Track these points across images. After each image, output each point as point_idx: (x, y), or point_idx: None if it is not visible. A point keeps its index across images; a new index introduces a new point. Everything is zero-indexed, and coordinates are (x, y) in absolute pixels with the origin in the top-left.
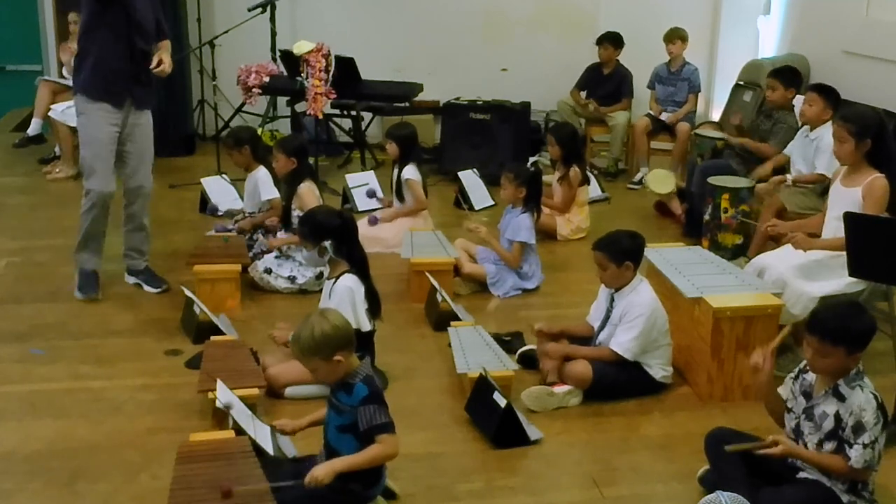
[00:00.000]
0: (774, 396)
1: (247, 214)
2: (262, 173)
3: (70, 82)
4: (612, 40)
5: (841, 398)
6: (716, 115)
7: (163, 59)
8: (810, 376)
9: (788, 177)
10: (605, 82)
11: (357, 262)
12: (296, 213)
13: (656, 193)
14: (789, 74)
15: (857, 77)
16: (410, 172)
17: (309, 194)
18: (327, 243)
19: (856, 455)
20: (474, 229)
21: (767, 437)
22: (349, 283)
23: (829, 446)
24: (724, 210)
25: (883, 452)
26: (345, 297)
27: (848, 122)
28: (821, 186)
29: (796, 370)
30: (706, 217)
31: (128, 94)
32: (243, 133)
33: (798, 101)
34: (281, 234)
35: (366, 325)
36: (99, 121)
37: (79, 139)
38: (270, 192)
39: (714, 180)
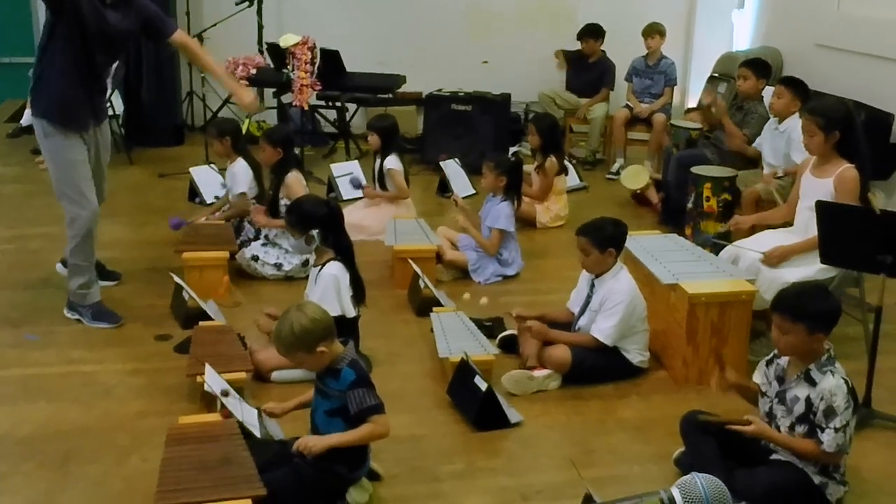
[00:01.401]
0: (752, 395)
1: (230, 202)
2: (238, 166)
3: None
4: (591, 33)
5: (812, 383)
6: (691, 106)
7: (239, 94)
8: (783, 361)
9: (779, 171)
10: (588, 71)
11: (343, 249)
12: (283, 201)
13: (630, 190)
14: (761, 65)
15: (829, 69)
16: (392, 162)
17: (296, 184)
18: (314, 232)
19: (828, 439)
20: (464, 210)
21: (743, 416)
22: (334, 271)
23: (800, 429)
24: (706, 199)
25: (853, 435)
26: (329, 284)
27: (816, 115)
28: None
29: (770, 355)
30: (689, 206)
31: (91, 115)
32: (226, 125)
33: (768, 92)
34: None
35: (350, 312)
36: (72, 142)
37: (48, 167)
38: (242, 186)
39: (697, 170)
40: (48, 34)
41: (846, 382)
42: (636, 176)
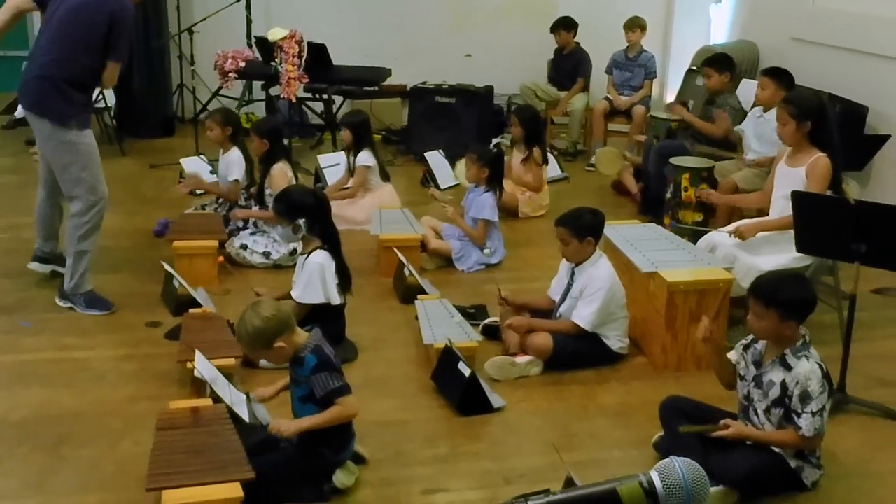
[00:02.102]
0: (724, 362)
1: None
2: (234, 155)
3: None
4: (563, 25)
5: (787, 367)
6: (670, 99)
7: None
8: (760, 346)
9: (746, 157)
10: (565, 63)
11: (329, 238)
12: (268, 191)
13: (605, 175)
14: (721, 61)
15: (804, 62)
16: (364, 158)
17: (280, 176)
18: (301, 221)
19: (806, 424)
20: (444, 203)
21: (720, 422)
22: (320, 259)
23: (776, 412)
24: (685, 189)
25: (829, 419)
26: (315, 272)
27: (789, 104)
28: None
29: (748, 338)
30: (667, 195)
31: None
32: (231, 115)
33: (747, 84)
34: (255, 209)
35: (335, 300)
36: (91, 133)
37: (80, 164)
38: (236, 174)
39: (675, 161)
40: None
41: (821, 367)
42: (610, 161)
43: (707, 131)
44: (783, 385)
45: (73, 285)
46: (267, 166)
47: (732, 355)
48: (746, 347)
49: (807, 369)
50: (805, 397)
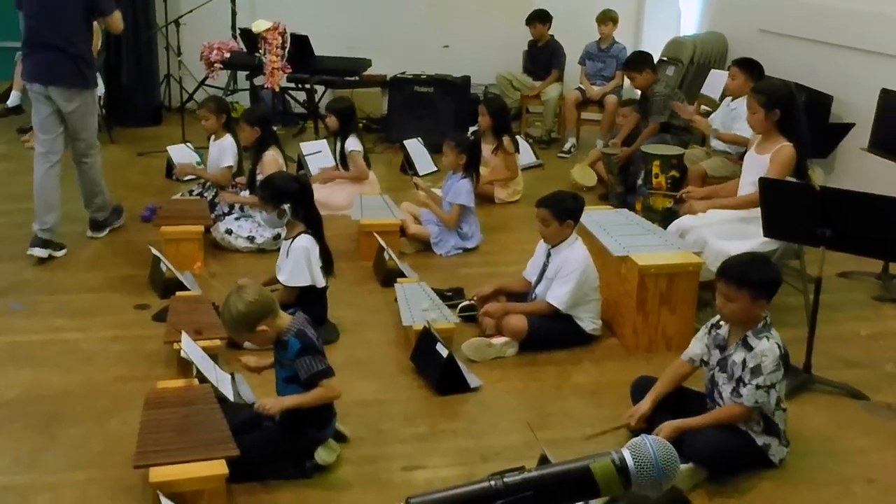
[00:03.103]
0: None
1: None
2: (227, 141)
3: None
4: (538, 18)
5: (749, 348)
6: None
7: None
8: (723, 331)
9: (713, 147)
10: (540, 55)
11: (313, 223)
12: (259, 177)
13: (582, 185)
14: (637, 61)
15: (771, 53)
16: (352, 144)
17: (271, 163)
18: (286, 206)
19: (747, 393)
20: (423, 188)
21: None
22: (305, 244)
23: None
24: (655, 176)
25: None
26: (301, 256)
27: (758, 93)
28: (738, 154)
29: (709, 324)
30: (639, 182)
31: None
32: (223, 103)
33: (716, 74)
34: (244, 194)
35: (320, 282)
36: None
37: (90, 113)
38: (229, 160)
39: (646, 148)
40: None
41: (779, 347)
42: (584, 175)
43: (685, 113)
44: (744, 364)
45: (105, 214)
46: (258, 153)
47: (694, 344)
48: (708, 332)
49: (765, 347)
50: (756, 370)
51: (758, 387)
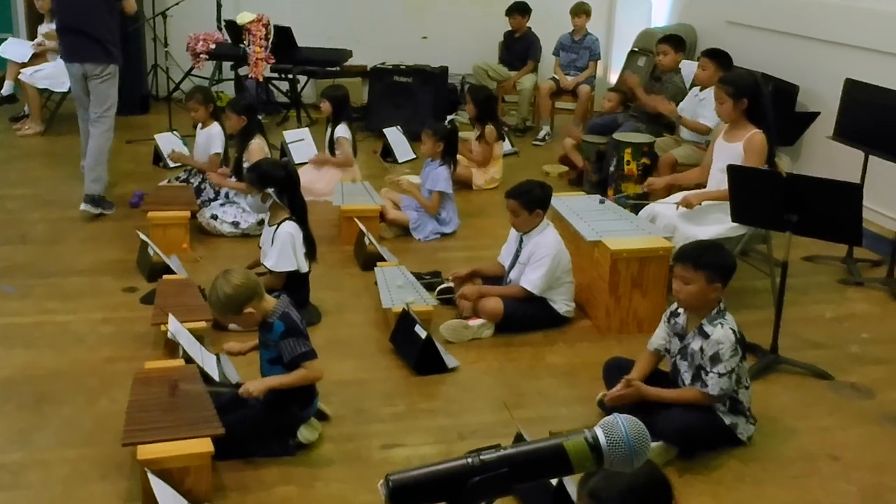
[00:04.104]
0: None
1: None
2: (215, 129)
3: (36, 50)
4: (517, 10)
5: (705, 336)
6: (613, 79)
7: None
8: (682, 319)
9: (682, 137)
10: (516, 46)
11: (297, 209)
12: (246, 164)
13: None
14: (678, 40)
15: (739, 44)
16: (342, 131)
17: (257, 150)
18: (271, 190)
19: (712, 383)
20: (397, 181)
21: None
22: (290, 230)
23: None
24: (627, 163)
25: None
26: (286, 241)
27: (726, 84)
28: (705, 142)
29: (668, 312)
30: (611, 169)
31: None
32: (209, 93)
33: (686, 64)
34: (231, 180)
35: (304, 267)
36: None
37: (110, 90)
38: (217, 147)
39: (618, 136)
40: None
41: (734, 333)
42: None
43: (651, 104)
44: (702, 351)
45: (102, 187)
46: (244, 141)
47: (659, 330)
48: (668, 320)
49: (720, 335)
50: (715, 358)
51: (720, 375)
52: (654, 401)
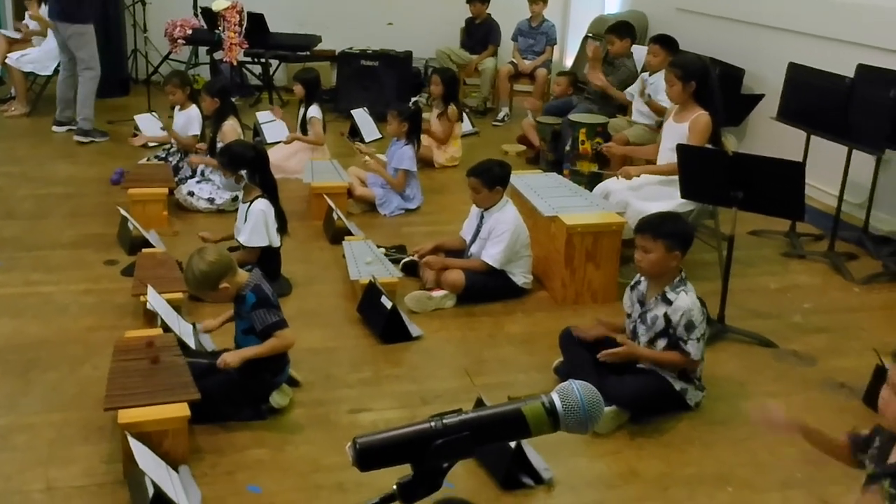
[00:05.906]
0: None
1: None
2: (194, 111)
3: (19, 35)
4: None
5: (668, 302)
6: (568, 63)
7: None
8: (643, 286)
9: (633, 119)
10: (477, 31)
11: (268, 187)
12: (220, 144)
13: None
14: (622, 28)
15: (688, 30)
16: (314, 111)
17: (231, 131)
18: (243, 172)
19: (693, 349)
20: (367, 154)
21: (617, 338)
22: (262, 207)
23: (661, 343)
24: (582, 142)
25: (710, 347)
26: (259, 219)
27: (676, 67)
28: (656, 123)
29: (633, 281)
30: (567, 148)
31: None
32: (186, 77)
33: (638, 49)
34: (207, 159)
35: (276, 242)
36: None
37: (85, 43)
38: (195, 128)
39: (573, 117)
40: None
41: (698, 299)
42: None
43: (601, 84)
44: (666, 318)
45: (90, 124)
46: (218, 122)
47: (625, 299)
48: (632, 288)
49: (688, 303)
50: (690, 326)
51: (698, 339)
52: (644, 359)
